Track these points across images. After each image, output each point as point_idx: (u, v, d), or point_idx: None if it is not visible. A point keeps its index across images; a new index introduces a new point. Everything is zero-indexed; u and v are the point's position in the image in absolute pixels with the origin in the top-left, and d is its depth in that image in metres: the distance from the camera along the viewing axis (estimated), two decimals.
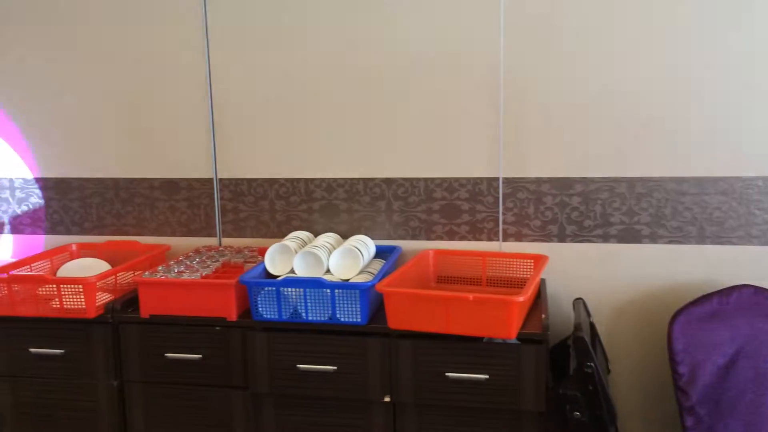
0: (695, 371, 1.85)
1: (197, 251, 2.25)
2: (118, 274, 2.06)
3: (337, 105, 2.19)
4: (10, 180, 2.44)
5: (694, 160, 2.00)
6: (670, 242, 2.04)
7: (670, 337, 1.88)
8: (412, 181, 2.19)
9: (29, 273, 2.17)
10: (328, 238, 2.13)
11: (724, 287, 1.93)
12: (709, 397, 1.84)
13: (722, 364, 1.85)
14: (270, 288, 1.88)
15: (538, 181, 2.10)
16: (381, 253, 2.19)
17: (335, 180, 2.24)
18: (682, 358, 1.85)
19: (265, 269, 2.02)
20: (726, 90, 1.96)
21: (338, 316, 1.86)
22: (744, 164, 1.97)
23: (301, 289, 1.86)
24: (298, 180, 2.26)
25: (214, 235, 2.34)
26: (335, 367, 1.85)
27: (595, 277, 2.11)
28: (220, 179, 2.31)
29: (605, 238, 2.08)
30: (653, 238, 2.05)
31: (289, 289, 1.87)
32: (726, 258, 2.02)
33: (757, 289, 1.92)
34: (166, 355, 1.95)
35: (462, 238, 2.18)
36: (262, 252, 2.19)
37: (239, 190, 2.30)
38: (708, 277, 2.03)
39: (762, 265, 2.00)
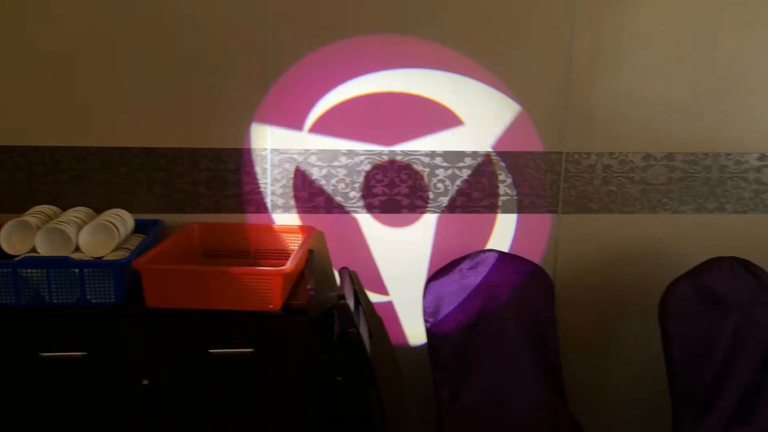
0: (443, 329, 2.02)
1: None
2: None
3: (90, 63, 1.99)
4: None
5: (447, 137, 2.15)
6: (426, 212, 2.19)
7: (424, 298, 2.03)
8: (176, 152, 2.07)
9: None
10: (77, 212, 1.94)
11: (472, 252, 2.12)
12: (457, 352, 2.02)
13: (467, 322, 2.04)
14: (5, 269, 1.66)
15: (306, 152, 2.11)
16: (141, 228, 2.05)
17: (88, 149, 2.04)
18: (431, 317, 2.01)
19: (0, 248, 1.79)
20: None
21: (88, 297, 1.71)
22: (482, 140, 2.16)
23: (44, 270, 1.68)
24: (43, 148, 2.02)
25: None
26: (85, 353, 1.70)
27: (361, 246, 2.19)
28: None
29: (369, 209, 2.17)
30: (411, 208, 2.18)
31: (29, 270, 1.68)
32: (474, 225, 2.21)
33: (500, 254, 2.14)
34: None
35: (230, 210, 2.13)
36: None
37: None
38: (460, 244, 2.21)
39: (505, 230, 2.22)
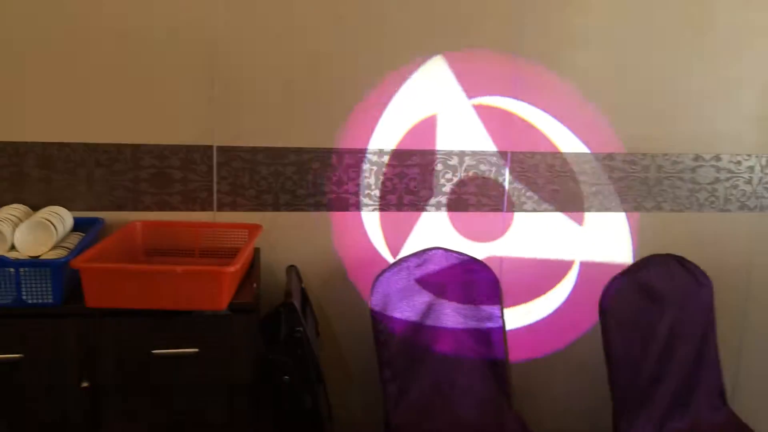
0: (391, 326, 2.03)
1: None
2: None
3: (27, 55, 1.93)
4: None
5: (392, 136, 2.16)
6: (373, 210, 2.19)
7: (371, 296, 2.03)
8: (118, 147, 2.02)
9: None
10: (13, 210, 1.87)
11: (419, 250, 2.14)
12: (404, 350, 2.03)
13: (414, 320, 2.06)
14: None
15: (253, 150, 2.09)
16: (81, 226, 1.99)
17: (23, 144, 1.97)
18: (381, 317, 2.01)
19: None
20: None
21: (25, 297, 1.65)
22: (427, 138, 2.19)
23: None
24: None
25: None
26: (22, 355, 1.64)
27: (308, 244, 2.17)
28: None
29: (317, 207, 2.16)
30: (359, 207, 2.18)
31: None
32: (421, 223, 2.23)
33: (447, 251, 2.16)
34: None
35: (174, 208, 2.09)
36: None
37: None
38: (410, 241, 2.22)
39: (448, 228, 2.25)
